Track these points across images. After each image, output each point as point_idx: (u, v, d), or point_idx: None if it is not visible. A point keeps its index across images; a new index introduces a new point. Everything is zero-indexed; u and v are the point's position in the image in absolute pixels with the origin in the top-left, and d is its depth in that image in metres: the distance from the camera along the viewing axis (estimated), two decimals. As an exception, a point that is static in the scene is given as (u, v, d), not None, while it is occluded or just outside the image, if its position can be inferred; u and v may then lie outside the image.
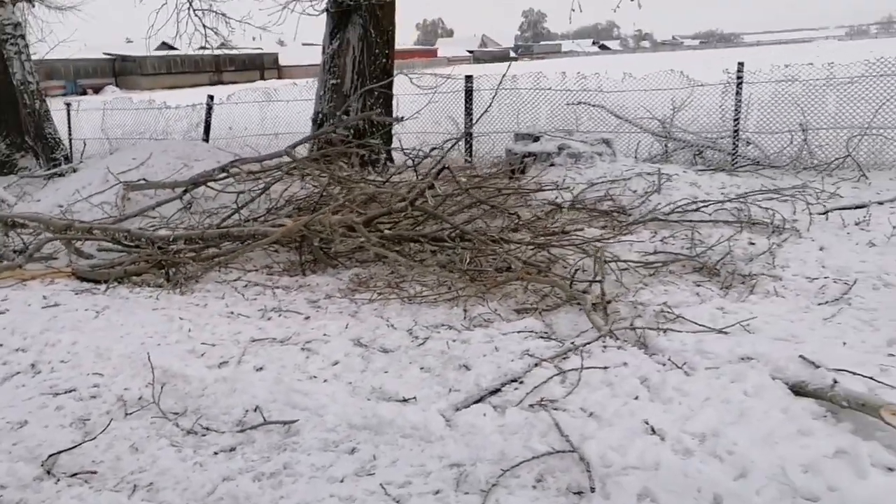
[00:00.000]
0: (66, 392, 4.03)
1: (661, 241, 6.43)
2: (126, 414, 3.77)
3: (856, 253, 5.82)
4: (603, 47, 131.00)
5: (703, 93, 9.53)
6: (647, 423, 3.11)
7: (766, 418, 3.10)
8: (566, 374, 3.73)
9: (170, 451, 3.40)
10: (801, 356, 3.62)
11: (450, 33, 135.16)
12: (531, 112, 10.56)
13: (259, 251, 6.97)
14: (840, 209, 6.82)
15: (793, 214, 6.73)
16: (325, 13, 10.65)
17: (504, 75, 7.95)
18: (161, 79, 65.52)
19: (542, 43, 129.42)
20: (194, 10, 14.87)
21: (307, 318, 5.10)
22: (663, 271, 5.72)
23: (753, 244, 6.18)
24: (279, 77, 73.82)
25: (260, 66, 77.77)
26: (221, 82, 66.07)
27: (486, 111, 8.45)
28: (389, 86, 10.57)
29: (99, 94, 60.67)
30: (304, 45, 67.43)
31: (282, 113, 12.08)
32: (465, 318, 4.95)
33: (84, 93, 61.26)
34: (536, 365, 3.85)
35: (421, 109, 9.84)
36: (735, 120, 9.11)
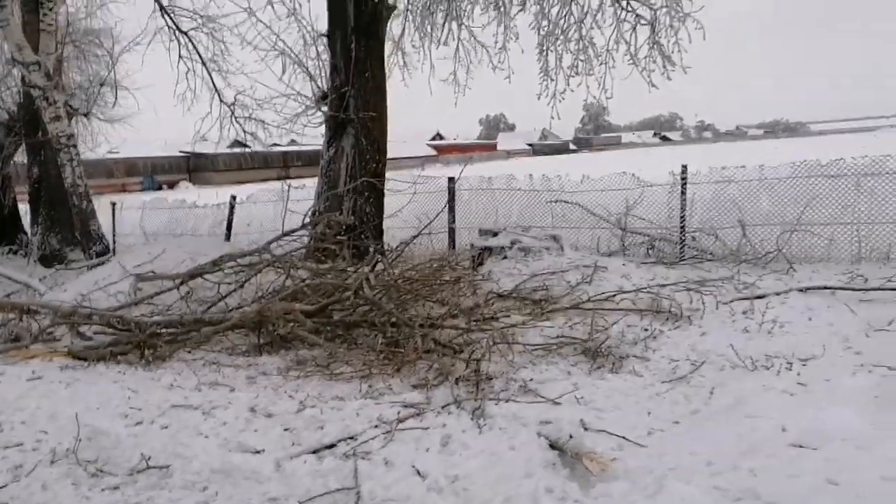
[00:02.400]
0: (14, 445, 5.04)
1: (570, 326, 7.22)
2: (52, 462, 4.75)
3: (728, 338, 6.48)
4: (664, 138, 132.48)
5: (653, 192, 10.37)
6: (413, 467, 3.93)
7: (510, 465, 3.89)
8: (393, 432, 4.58)
9: (70, 488, 4.35)
10: (581, 420, 4.39)
11: (511, 127, 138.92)
12: (505, 209, 11.56)
13: (233, 334, 8.06)
14: (742, 299, 7.49)
15: (690, 303, 7.45)
16: (323, 124, 11.99)
17: (459, 175, 8.97)
18: (232, 174, 69.20)
19: (602, 135, 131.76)
20: (235, 118, 16.67)
21: (232, 390, 6.06)
22: (555, 353, 6.51)
23: (647, 330, 6.92)
24: (342, 171, 76.63)
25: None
26: (289, 177, 69.07)
27: (442, 210, 9.48)
28: (379, 188, 11.77)
29: (173, 189, 64.64)
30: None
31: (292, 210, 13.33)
32: (361, 391, 5.83)
33: (160, 188, 65.34)
34: (376, 426, 4.71)
35: (402, 208, 10.99)
36: (681, 217, 9.90)
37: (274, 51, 12.17)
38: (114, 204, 15.74)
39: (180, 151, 71.36)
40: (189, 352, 7.58)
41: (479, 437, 4.38)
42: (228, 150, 67.59)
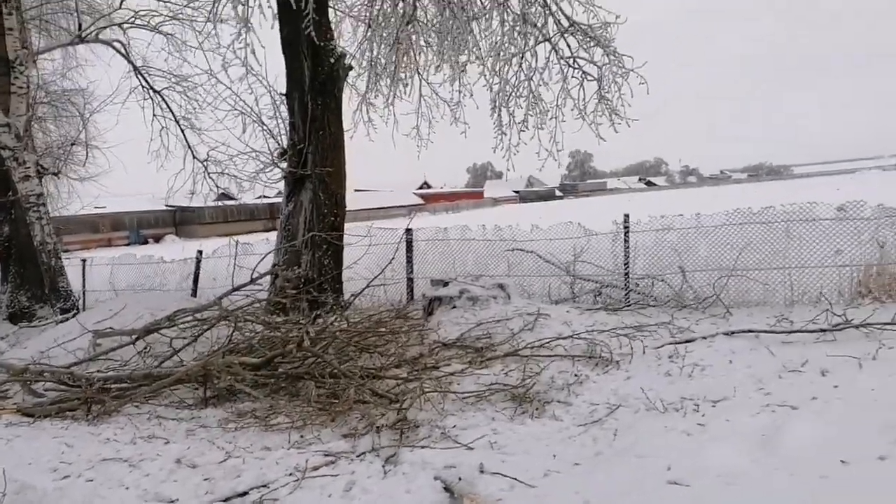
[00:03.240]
0: (-56, 500, 5.21)
1: (506, 373, 7.44)
2: (-23, 515, 4.92)
3: (651, 381, 6.70)
4: (649, 183, 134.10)
5: (599, 240, 10.71)
6: (310, 512, 4.13)
7: (401, 508, 4.09)
8: (301, 480, 4.77)
9: (-10, 539, 4.52)
10: (480, 463, 4.60)
11: (498, 175, 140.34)
12: (461, 258, 11.86)
13: (183, 387, 8.23)
14: (671, 343, 7.74)
15: (620, 348, 7.70)
16: (283, 180, 12.34)
17: (408, 227, 9.25)
18: (217, 227, 69.43)
19: (588, 181, 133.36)
20: (209, 174, 17.10)
21: (167, 442, 6.23)
22: (486, 399, 6.72)
23: (577, 375, 7.15)
24: (328, 222, 77.14)
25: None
26: (275, 228, 69.59)
27: (390, 262, 9.76)
28: (338, 240, 12.06)
29: (159, 242, 65.02)
30: (356, 191, 71.14)
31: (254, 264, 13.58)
32: (290, 442, 6.02)
33: (146, 242, 65.76)
34: (290, 474, 4.90)
35: (357, 260, 11.26)
36: (625, 264, 10.22)
37: (235, 110, 12.57)
38: (84, 261, 15.96)
39: (166, 205, 71.81)
40: (137, 406, 7.74)
41: (381, 482, 4.58)
42: (214, 204, 68.47)
